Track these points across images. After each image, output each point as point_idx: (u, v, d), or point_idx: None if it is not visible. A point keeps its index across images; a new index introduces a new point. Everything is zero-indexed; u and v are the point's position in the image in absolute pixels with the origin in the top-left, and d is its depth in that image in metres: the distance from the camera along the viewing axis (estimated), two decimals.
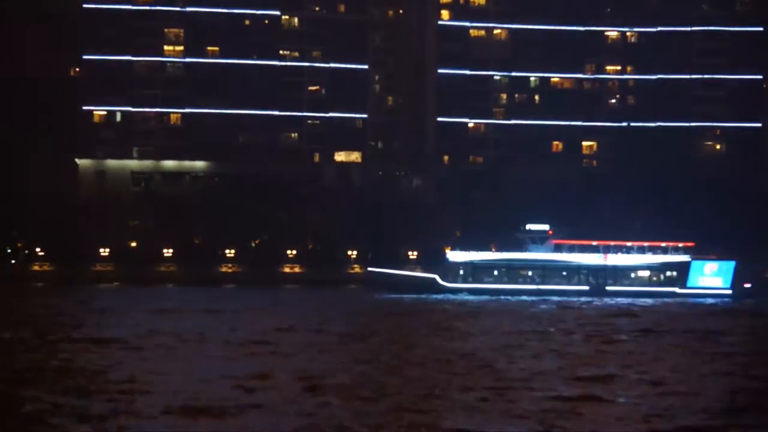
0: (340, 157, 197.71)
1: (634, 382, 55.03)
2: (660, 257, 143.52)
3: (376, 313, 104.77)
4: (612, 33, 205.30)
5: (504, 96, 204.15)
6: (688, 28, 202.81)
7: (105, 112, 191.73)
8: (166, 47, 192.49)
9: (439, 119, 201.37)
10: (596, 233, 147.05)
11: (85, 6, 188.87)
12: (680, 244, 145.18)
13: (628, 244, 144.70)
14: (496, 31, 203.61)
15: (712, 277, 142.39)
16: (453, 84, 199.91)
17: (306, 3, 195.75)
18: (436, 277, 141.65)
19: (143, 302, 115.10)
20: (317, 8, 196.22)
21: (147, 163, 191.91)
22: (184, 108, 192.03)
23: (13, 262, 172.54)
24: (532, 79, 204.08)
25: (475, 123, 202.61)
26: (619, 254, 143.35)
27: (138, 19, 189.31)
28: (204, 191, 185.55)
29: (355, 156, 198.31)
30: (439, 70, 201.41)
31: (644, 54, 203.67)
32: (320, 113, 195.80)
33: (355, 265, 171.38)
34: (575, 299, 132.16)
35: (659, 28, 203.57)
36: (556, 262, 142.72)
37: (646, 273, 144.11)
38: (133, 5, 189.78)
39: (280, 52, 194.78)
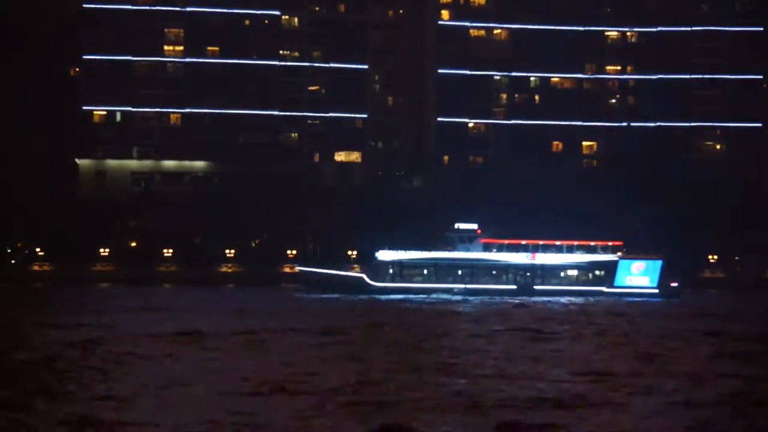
0: (340, 157, 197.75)
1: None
2: (588, 256, 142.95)
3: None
4: (612, 33, 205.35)
5: (504, 96, 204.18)
6: (688, 28, 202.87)
7: (105, 112, 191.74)
8: (166, 47, 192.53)
9: (439, 119, 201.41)
10: (527, 233, 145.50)
11: (85, 6, 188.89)
12: (609, 243, 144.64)
13: (558, 243, 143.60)
14: (496, 31, 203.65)
15: (639, 276, 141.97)
16: (453, 84, 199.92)
17: (306, 3, 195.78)
18: (364, 276, 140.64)
19: (122, 301, 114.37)
20: (317, 8, 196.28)
21: (147, 163, 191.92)
22: (184, 108, 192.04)
23: (13, 262, 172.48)
24: (532, 79, 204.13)
25: (475, 123, 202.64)
26: (548, 253, 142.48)
27: (138, 19, 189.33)
28: (204, 191, 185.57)
29: (355, 156, 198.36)
30: (439, 70, 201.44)
31: (644, 54, 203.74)
32: (320, 113, 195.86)
33: (355, 265, 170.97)
34: (498, 298, 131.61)
35: (659, 28, 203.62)
36: (484, 261, 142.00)
37: (573, 272, 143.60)
38: (133, 5, 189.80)
39: (280, 52, 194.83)
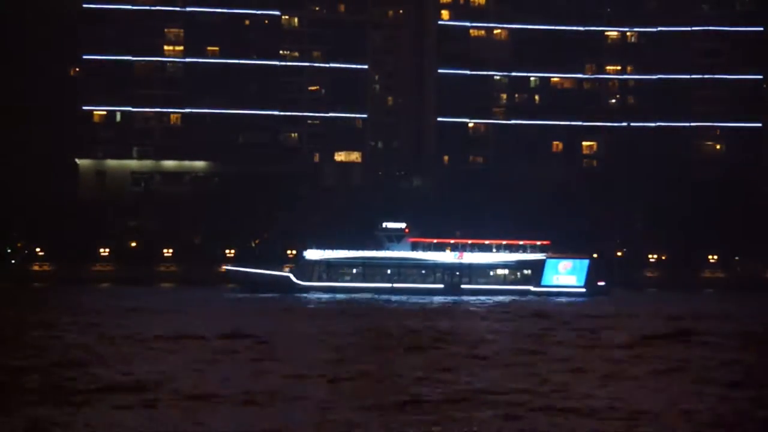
0: (340, 157, 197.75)
1: None
2: (516, 255, 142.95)
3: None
4: (612, 33, 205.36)
5: (504, 96, 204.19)
6: (688, 28, 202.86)
7: (105, 112, 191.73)
8: (166, 47, 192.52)
9: (439, 119, 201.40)
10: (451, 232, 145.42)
11: (85, 6, 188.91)
12: (537, 243, 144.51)
13: (486, 242, 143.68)
14: (496, 31, 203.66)
15: (566, 275, 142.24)
16: (453, 84, 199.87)
17: (306, 3, 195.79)
18: (291, 275, 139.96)
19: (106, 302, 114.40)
20: (317, 8, 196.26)
21: (147, 163, 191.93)
22: (184, 108, 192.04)
23: (13, 262, 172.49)
24: (532, 79, 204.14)
25: (475, 123, 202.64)
26: (476, 252, 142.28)
27: (138, 19, 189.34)
28: (204, 191, 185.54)
29: (355, 156, 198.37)
30: (439, 70, 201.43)
31: (644, 54, 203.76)
32: (320, 113, 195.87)
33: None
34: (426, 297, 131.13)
35: (659, 28, 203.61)
36: (411, 260, 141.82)
37: (501, 271, 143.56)
38: (133, 5, 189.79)
39: (280, 52, 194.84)
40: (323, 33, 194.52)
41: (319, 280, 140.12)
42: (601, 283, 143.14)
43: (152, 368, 54.69)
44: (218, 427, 39.83)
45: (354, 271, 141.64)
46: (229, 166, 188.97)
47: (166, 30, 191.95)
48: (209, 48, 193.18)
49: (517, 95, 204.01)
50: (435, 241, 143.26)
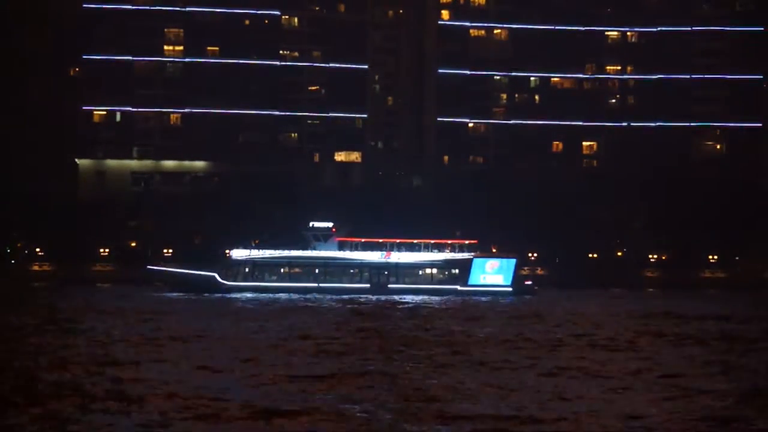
0: (340, 157, 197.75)
1: None
2: (443, 255, 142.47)
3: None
4: (612, 33, 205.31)
5: (504, 96, 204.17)
6: (688, 28, 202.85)
7: (105, 112, 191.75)
8: (165, 47, 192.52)
9: (439, 119, 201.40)
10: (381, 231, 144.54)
11: (85, 6, 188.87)
12: (465, 242, 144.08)
13: (415, 241, 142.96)
14: (496, 31, 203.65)
15: (493, 274, 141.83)
16: (453, 84, 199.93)
17: (306, 3, 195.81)
18: (216, 275, 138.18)
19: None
20: (317, 8, 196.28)
21: (147, 163, 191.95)
22: (184, 108, 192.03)
23: (13, 262, 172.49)
24: (532, 79, 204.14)
25: (475, 123, 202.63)
26: (404, 252, 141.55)
27: (138, 19, 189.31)
28: (204, 191, 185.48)
29: (355, 156, 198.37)
30: (439, 70, 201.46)
31: (644, 54, 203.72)
32: (320, 113, 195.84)
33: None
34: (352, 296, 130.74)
35: (659, 28, 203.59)
36: (338, 259, 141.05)
37: (428, 270, 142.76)
38: (132, 5, 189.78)
39: (280, 52, 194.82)
40: (323, 33, 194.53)
41: (245, 279, 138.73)
42: (528, 283, 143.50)
43: None
44: None
45: (281, 270, 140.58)
46: (229, 166, 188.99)
47: (166, 30, 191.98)
48: (209, 48, 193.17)
49: (517, 95, 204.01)
50: (362, 240, 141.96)
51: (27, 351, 63.13)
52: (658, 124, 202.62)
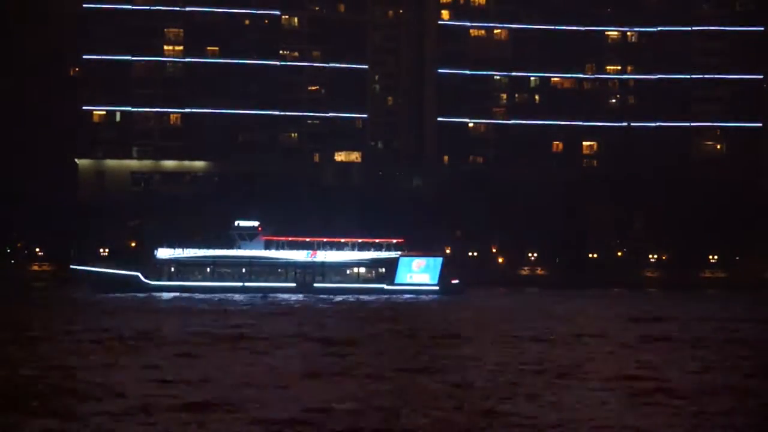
0: (340, 157, 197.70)
1: None
2: (370, 254, 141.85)
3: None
4: (612, 33, 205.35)
5: (504, 96, 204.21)
6: (688, 28, 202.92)
7: (105, 112, 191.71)
8: (165, 47, 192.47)
9: (439, 119, 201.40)
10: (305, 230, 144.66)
11: (85, 6, 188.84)
12: (393, 240, 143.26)
13: (342, 240, 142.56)
14: (496, 31, 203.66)
15: (419, 273, 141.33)
16: (453, 84, 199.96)
17: (306, 3, 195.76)
18: (139, 274, 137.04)
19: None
20: (317, 8, 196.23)
21: (147, 163, 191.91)
22: (184, 108, 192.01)
23: (13, 262, 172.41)
24: (532, 79, 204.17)
25: (475, 123, 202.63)
26: (330, 251, 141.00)
27: (138, 19, 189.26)
28: (204, 191, 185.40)
29: (355, 156, 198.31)
30: (439, 70, 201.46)
31: (644, 54, 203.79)
32: (320, 113, 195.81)
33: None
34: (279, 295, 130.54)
35: (659, 28, 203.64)
36: (263, 258, 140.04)
37: (354, 269, 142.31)
38: (132, 5, 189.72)
39: (280, 52, 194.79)
40: (323, 33, 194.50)
41: (169, 279, 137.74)
42: (455, 282, 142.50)
43: None
44: None
45: (207, 269, 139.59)
46: (229, 166, 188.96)
47: (165, 30, 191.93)
48: (209, 48, 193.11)
49: (517, 95, 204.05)
50: (289, 239, 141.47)
51: None
52: (657, 124, 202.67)
